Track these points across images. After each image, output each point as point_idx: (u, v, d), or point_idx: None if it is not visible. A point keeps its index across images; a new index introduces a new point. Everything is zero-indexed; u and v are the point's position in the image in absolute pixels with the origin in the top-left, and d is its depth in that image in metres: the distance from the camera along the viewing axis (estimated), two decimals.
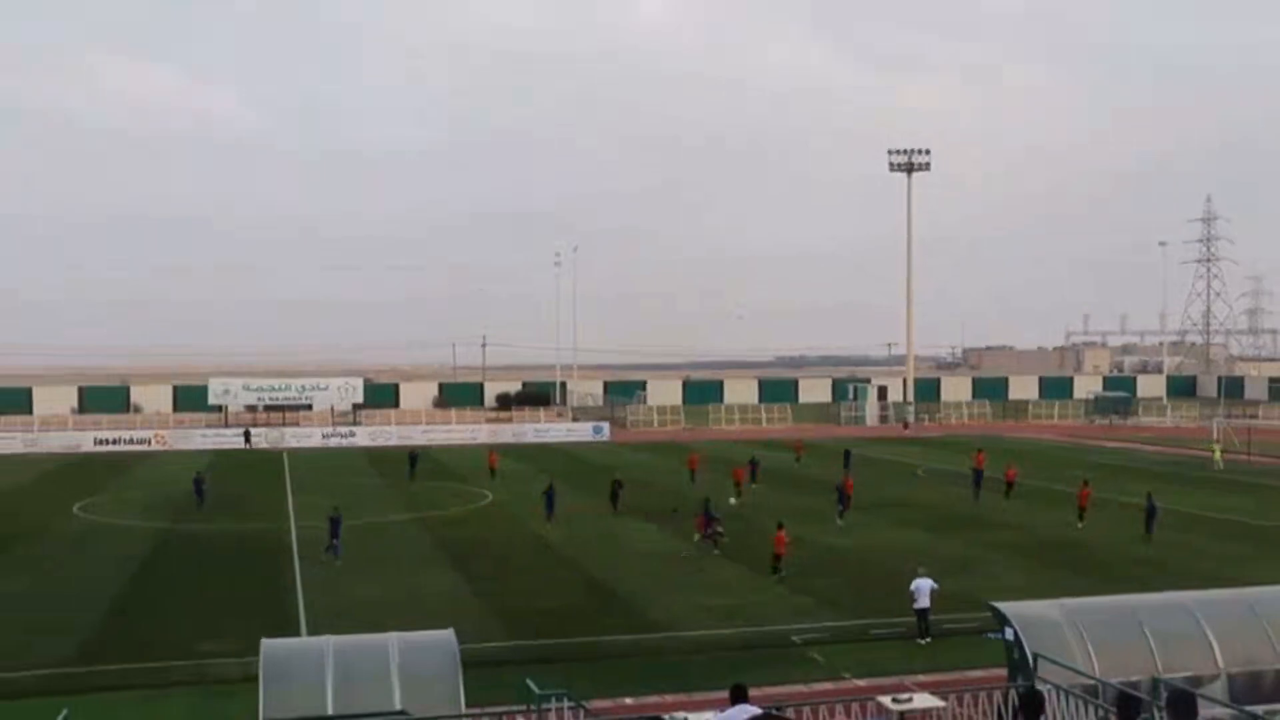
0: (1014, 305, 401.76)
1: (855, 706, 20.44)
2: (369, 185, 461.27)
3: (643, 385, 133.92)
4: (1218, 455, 73.10)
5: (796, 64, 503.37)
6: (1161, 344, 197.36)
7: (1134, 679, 19.11)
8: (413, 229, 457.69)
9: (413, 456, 69.87)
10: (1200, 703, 12.94)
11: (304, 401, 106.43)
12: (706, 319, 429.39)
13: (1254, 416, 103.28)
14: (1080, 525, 47.49)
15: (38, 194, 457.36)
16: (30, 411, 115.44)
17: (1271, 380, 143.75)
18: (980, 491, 57.03)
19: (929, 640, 30.09)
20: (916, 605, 30.62)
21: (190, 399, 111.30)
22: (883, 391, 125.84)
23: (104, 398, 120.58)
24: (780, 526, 39.42)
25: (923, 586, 30.70)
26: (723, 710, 14.94)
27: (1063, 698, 17.64)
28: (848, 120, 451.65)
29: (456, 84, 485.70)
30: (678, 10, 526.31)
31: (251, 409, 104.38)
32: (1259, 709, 16.61)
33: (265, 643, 20.17)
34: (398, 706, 18.59)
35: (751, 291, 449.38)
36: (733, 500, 55.13)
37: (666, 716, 20.74)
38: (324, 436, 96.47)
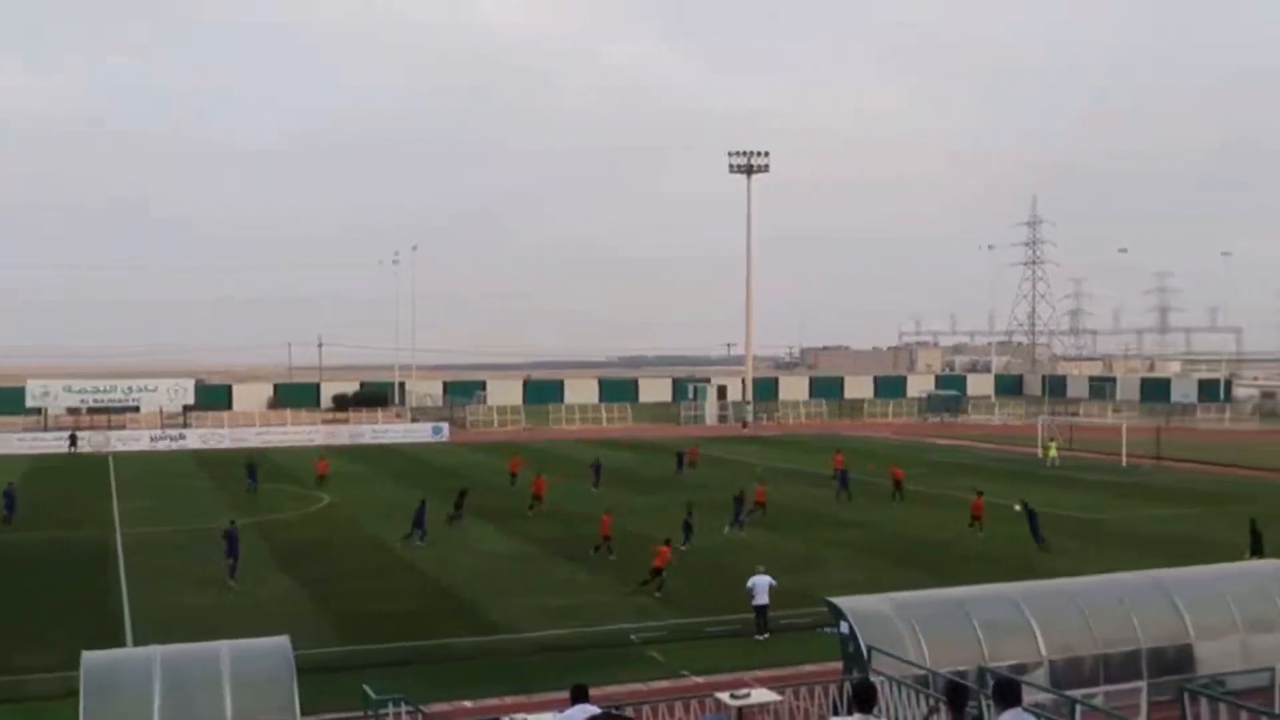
0: (850, 306, 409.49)
1: (694, 703, 20.64)
2: (206, 181, 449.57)
3: (483, 385, 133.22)
4: (1052, 452, 75.06)
5: (643, 66, 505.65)
6: (990, 344, 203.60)
7: (962, 668, 19.61)
8: (249, 228, 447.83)
9: (250, 466, 64.65)
10: (1024, 689, 13.38)
11: (131, 403, 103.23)
12: (547, 319, 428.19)
13: (1075, 414, 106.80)
14: (981, 534, 45.65)
15: None
16: None
17: (1091, 379, 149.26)
18: (845, 492, 56.91)
19: (767, 636, 30.50)
20: (755, 602, 31.00)
21: (7, 401, 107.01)
22: (722, 391, 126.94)
23: None
24: (667, 542, 37.87)
25: (760, 583, 31.10)
26: (563, 710, 15.00)
27: (895, 688, 18.06)
28: (693, 122, 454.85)
29: (296, 84, 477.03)
30: (520, 9, 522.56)
31: (74, 411, 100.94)
32: (1078, 693, 17.20)
33: (86, 655, 19.49)
34: (229, 716, 18.23)
35: (594, 292, 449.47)
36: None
37: (506, 718, 20.71)
38: (152, 439, 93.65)
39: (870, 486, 59.73)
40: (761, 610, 30.98)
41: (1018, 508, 45.50)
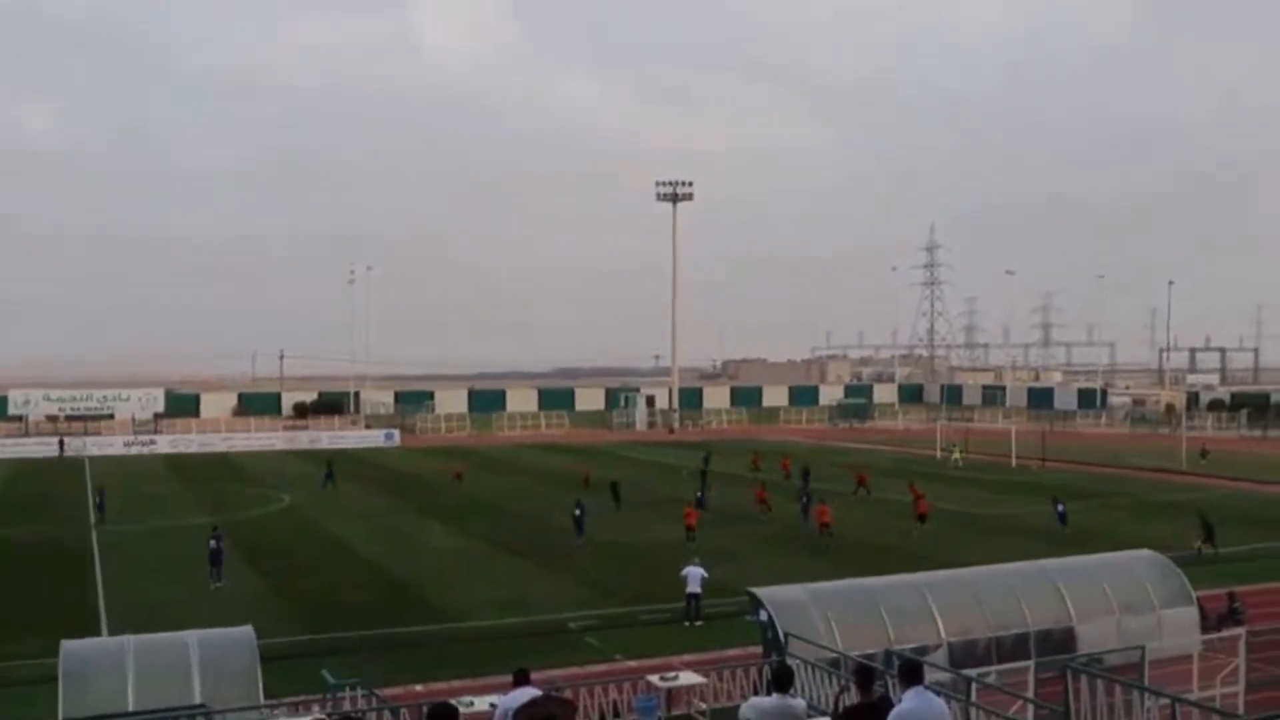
0: (767, 321, 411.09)
1: (626, 685, 20.60)
2: (174, 200, 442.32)
3: (431, 395, 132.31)
4: (957, 454, 75.47)
5: (576, 96, 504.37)
6: (893, 356, 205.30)
7: (870, 651, 19.71)
8: (215, 245, 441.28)
9: (329, 465, 61.35)
10: (926, 668, 13.45)
11: (105, 411, 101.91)
12: (489, 332, 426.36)
13: (970, 420, 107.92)
14: (918, 529, 44.88)
15: None
16: None
17: (984, 388, 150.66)
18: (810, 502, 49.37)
19: (701, 623, 30.47)
20: (688, 590, 31.02)
21: None
22: (651, 400, 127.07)
23: None
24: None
25: (693, 573, 31.11)
26: (506, 693, 14.91)
27: (810, 670, 18.12)
28: (621, 148, 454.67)
29: (257, 109, 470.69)
30: (459, 38, 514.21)
31: (53, 419, 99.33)
32: (973, 671, 17.37)
33: (65, 644, 19.31)
34: (198, 700, 18.05)
35: (533, 307, 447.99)
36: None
37: (454, 700, 20.57)
38: (125, 445, 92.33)
39: (784, 486, 60.00)
40: (694, 598, 30.98)
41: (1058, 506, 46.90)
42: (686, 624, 30.58)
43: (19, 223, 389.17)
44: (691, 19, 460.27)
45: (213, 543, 36.97)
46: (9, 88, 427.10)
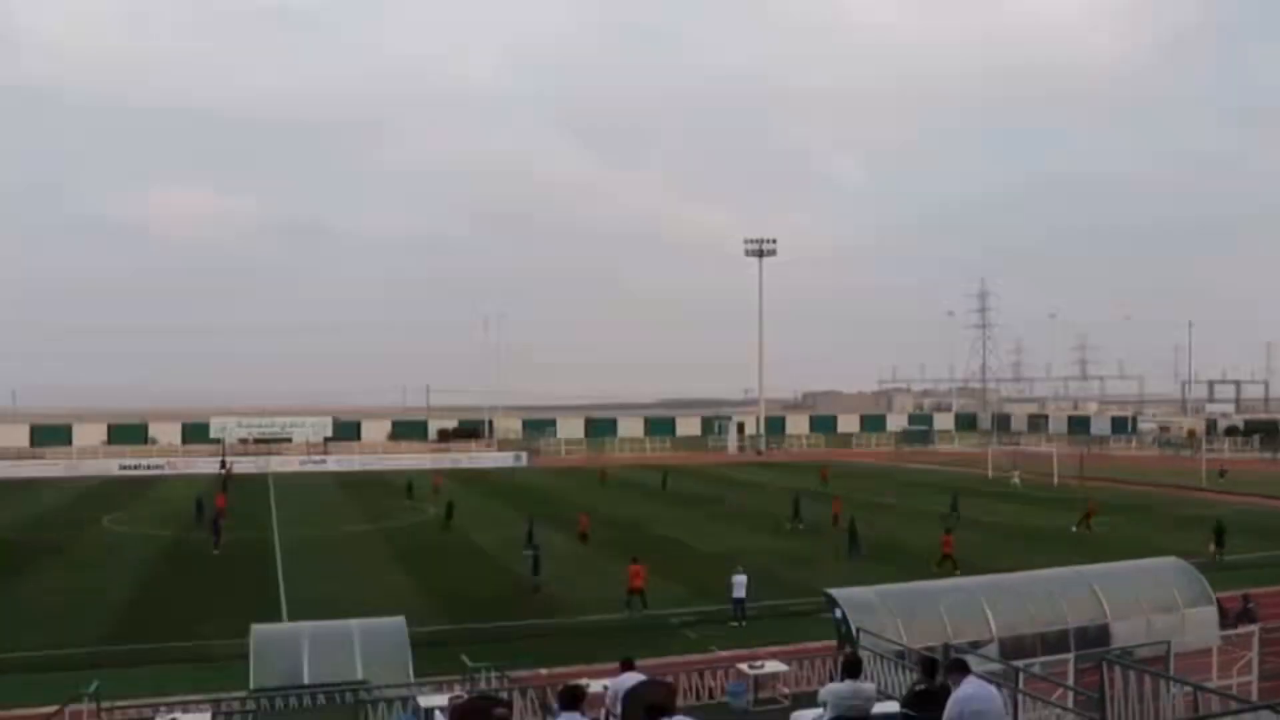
0: (841, 358, 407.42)
1: (720, 673, 20.56)
2: (335, 264, 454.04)
3: (554, 422, 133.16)
4: (1016, 478, 72.33)
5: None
6: (951, 389, 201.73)
7: (931, 644, 19.42)
8: (370, 298, 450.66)
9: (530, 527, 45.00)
10: (978, 660, 13.27)
11: (285, 435, 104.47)
12: (605, 370, 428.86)
13: (1017, 444, 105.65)
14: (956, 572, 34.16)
15: None
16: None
17: (1030, 416, 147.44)
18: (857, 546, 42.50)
19: (745, 623, 29.84)
20: (734, 595, 30.52)
21: (197, 433, 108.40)
22: (741, 426, 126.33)
23: (127, 433, 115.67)
24: (634, 560, 33.60)
25: (739, 581, 30.69)
26: (615, 677, 14.97)
27: (878, 660, 17.93)
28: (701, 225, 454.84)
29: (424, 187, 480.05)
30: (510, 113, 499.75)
31: (244, 441, 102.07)
32: (1020, 662, 17.09)
33: (255, 627, 20.01)
34: (360, 677, 18.45)
35: (641, 344, 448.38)
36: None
37: (572, 682, 20.66)
38: (300, 463, 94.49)
39: (859, 502, 59.15)
40: (739, 602, 30.45)
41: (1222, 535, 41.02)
42: (734, 624, 30.01)
43: None
44: None
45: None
46: None
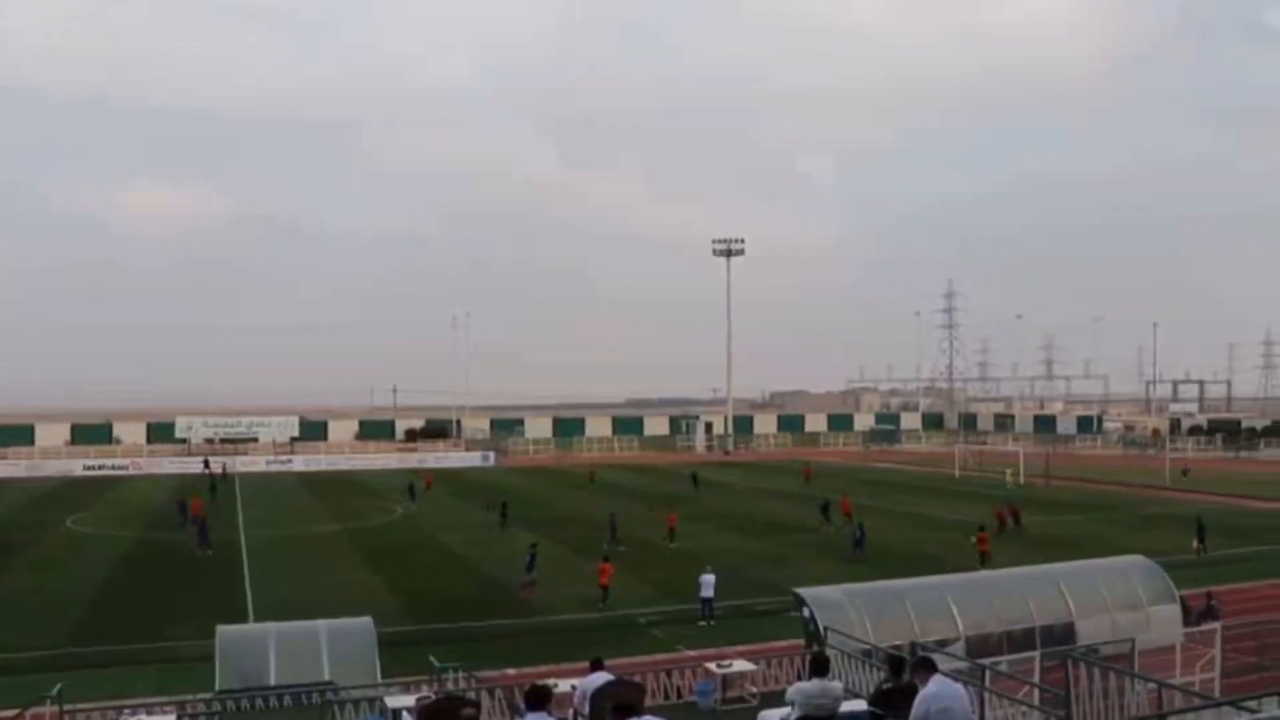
0: (809, 357, 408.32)
1: (688, 672, 20.57)
2: (304, 263, 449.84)
3: (521, 422, 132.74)
4: (1009, 476, 71.65)
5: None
6: (918, 388, 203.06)
7: (898, 643, 19.51)
8: (340, 296, 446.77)
9: (504, 506, 51.39)
10: (945, 659, 13.35)
11: (250, 435, 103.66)
12: (575, 370, 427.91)
13: (984, 443, 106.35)
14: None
15: None
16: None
17: (996, 415, 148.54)
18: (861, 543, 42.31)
19: (713, 623, 29.85)
20: (701, 594, 30.55)
21: (162, 433, 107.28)
22: (709, 426, 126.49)
23: (91, 433, 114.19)
24: (606, 559, 34.86)
25: (707, 580, 30.73)
26: (584, 677, 14.95)
27: (846, 659, 17.99)
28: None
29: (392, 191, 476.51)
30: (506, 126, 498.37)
31: (209, 441, 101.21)
32: (986, 660, 17.20)
33: (220, 628, 19.80)
34: (326, 678, 18.31)
35: (609, 344, 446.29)
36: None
37: (539, 682, 20.60)
38: (267, 463, 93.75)
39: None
40: (707, 602, 30.47)
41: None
42: (702, 623, 30.02)
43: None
44: None
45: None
46: None
